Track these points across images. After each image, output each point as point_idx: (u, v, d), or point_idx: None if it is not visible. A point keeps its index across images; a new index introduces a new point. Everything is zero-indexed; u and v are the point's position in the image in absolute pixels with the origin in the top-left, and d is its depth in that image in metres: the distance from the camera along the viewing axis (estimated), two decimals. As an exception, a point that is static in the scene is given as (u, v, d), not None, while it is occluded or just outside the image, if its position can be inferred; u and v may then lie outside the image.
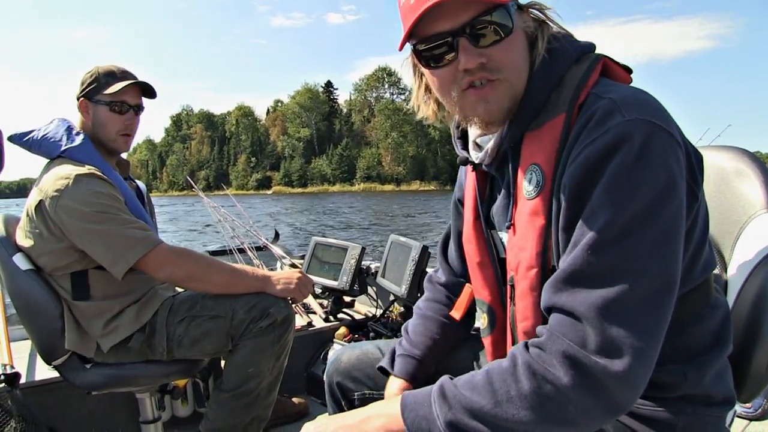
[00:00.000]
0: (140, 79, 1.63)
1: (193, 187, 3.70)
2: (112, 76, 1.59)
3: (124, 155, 1.72)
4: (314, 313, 2.54)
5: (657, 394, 0.80)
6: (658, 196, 0.67)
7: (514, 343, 0.86)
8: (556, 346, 0.68)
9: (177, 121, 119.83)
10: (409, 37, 0.79)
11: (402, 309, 2.37)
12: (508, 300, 0.87)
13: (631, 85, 0.82)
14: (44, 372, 1.85)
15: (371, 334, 2.32)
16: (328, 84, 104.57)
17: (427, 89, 0.91)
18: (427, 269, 2.20)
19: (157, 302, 1.59)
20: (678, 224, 0.69)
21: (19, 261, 1.49)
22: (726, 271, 0.99)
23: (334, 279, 2.49)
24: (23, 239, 1.51)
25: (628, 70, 0.84)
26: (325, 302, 2.60)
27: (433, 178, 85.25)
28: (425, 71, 0.85)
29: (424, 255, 2.18)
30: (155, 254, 1.47)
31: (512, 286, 0.84)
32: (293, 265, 2.71)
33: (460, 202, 1.08)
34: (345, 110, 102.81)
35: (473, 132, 0.91)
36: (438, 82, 0.82)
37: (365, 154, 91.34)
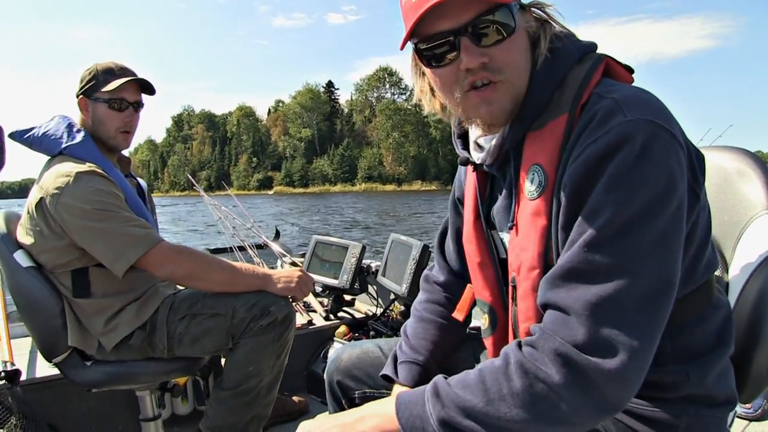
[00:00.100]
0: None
1: (194, 186, 3.70)
2: (110, 73, 1.59)
3: (125, 152, 1.72)
4: (314, 311, 2.54)
5: (659, 395, 0.79)
6: (658, 196, 0.67)
7: None
8: (548, 345, 0.68)
9: (178, 122, 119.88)
10: (410, 36, 0.79)
11: (402, 308, 2.37)
12: (510, 301, 0.87)
13: (633, 84, 0.82)
14: (45, 369, 1.86)
15: (371, 333, 2.32)
16: (330, 84, 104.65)
17: (430, 89, 0.90)
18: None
19: (158, 300, 1.59)
20: (677, 225, 0.68)
21: (20, 258, 1.49)
22: (727, 272, 0.99)
23: (334, 277, 2.49)
24: (24, 236, 1.51)
25: (630, 70, 0.83)
26: (325, 301, 2.60)
27: (434, 178, 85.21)
28: (427, 70, 0.84)
29: (425, 254, 2.18)
30: (156, 252, 1.47)
31: (514, 287, 0.84)
32: (294, 264, 2.71)
33: (459, 201, 1.08)
34: (346, 110, 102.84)
35: (474, 132, 0.91)
36: (440, 81, 0.82)
37: (366, 154, 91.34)
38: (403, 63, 0.92)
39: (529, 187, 0.79)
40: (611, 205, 0.67)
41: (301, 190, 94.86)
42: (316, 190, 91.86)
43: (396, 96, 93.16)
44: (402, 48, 0.82)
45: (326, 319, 2.47)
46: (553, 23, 0.82)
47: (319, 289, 2.69)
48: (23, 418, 1.62)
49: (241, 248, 3.17)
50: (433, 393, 0.73)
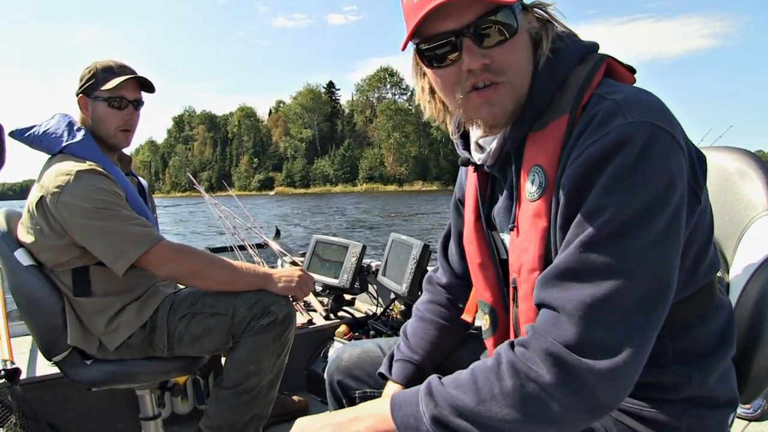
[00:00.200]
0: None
1: (195, 185, 3.71)
2: (109, 71, 1.58)
3: (126, 151, 1.72)
4: (315, 310, 2.55)
5: (660, 396, 0.79)
6: (657, 198, 0.66)
7: None
8: (539, 344, 0.68)
9: (179, 123, 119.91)
10: (411, 36, 0.78)
11: (403, 307, 2.38)
12: (511, 302, 0.87)
13: (635, 85, 0.82)
14: (45, 368, 1.86)
15: (372, 333, 2.32)
16: (330, 84, 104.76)
17: (431, 90, 0.90)
18: (428, 268, 2.20)
19: (158, 299, 1.59)
20: (675, 228, 0.68)
21: (21, 257, 1.49)
22: (728, 273, 0.99)
23: (334, 277, 2.49)
24: (25, 235, 1.51)
25: (632, 70, 0.83)
26: (325, 300, 2.60)
27: (435, 178, 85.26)
28: (428, 71, 0.84)
29: (426, 253, 2.18)
30: (156, 251, 1.47)
31: (515, 288, 0.84)
32: (294, 263, 2.71)
33: (461, 202, 1.08)
34: (347, 111, 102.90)
35: (475, 133, 0.91)
36: (441, 82, 0.82)
37: (367, 155, 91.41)
38: (404, 63, 0.91)
39: (529, 188, 0.79)
40: (609, 206, 0.67)
41: (302, 190, 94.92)
42: (317, 191, 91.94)
43: (397, 96, 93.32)
44: (403, 49, 0.82)
45: (326, 318, 2.47)
46: (555, 23, 0.82)
47: (319, 288, 2.69)
48: (23, 416, 1.62)
49: (242, 247, 3.18)
50: (426, 392, 0.74)
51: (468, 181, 1.01)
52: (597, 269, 0.66)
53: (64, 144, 1.53)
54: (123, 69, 1.61)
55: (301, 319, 2.36)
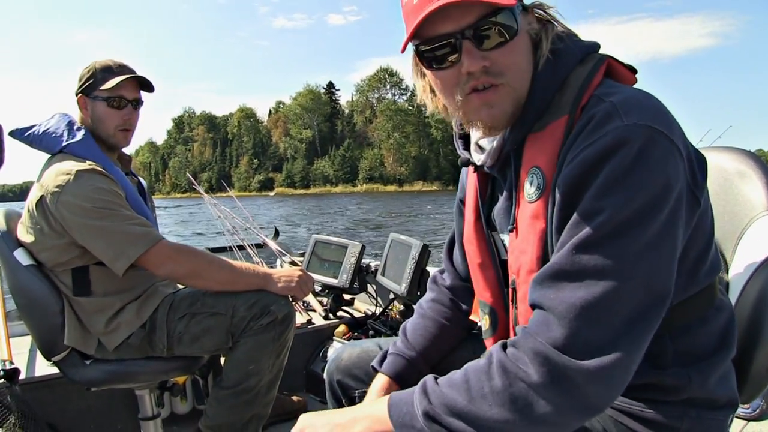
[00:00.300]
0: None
1: (194, 186, 3.71)
2: (108, 71, 1.58)
3: (126, 151, 1.72)
4: (314, 310, 2.55)
5: (660, 397, 0.79)
6: (652, 201, 0.66)
7: None
8: (528, 344, 0.68)
9: (179, 124, 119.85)
10: (411, 38, 0.78)
11: (402, 307, 2.37)
12: (510, 303, 0.87)
13: (636, 85, 0.82)
14: (44, 368, 1.85)
15: (371, 332, 2.32)
16: (330, 85, 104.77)
17: (432, 90, 0.90)
18: (427, 268, 2.20)
19: (158, 299, 1.59)
20: (672, 231, 0.68)
21: (20, 256, 1.49)
22: (727, 273, 0.98)
23: (333, 277, 2.49)
24: (24, 234, 1.51)
25: (633, 70, 0.83)
26: (324, 300, 2.60)
27: (435, 178, 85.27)
28: (427, 72, 0.84)
29: (424, 253, 2.18)
30: (156, 251, 1.47)
31: (514, 289, 0.84)
32: (293, 263, 2.71)
33: (462, 202, 1.08)
34: (347, 111, 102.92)
35: (475, 133, 0.90)
36: (441, 84, 0.82)
37: (367, 155, 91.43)
38: (404, 63, 0.92)
39: (528, 189, 0.79)
40: (604, 209, 0.67)
41: (302, 191, 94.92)
42: (317, 191, 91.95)
43: (397, 96, 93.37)
44: (403, 51, 0.81)
45: (325, 318, 2.47)
46: (555, 23, 0.82)
47: (318, 288, 2.69)
48: (22, 417, 1.62)
49: (241, 247, 3.18)
50: (421, 390, 0.74)
51: (468, 181, 1.01)
52: (589, 271, 0.66)
53: (64, 143, 1.53)
54: (122, 68, 1.60)
55: (300, 319, 2.36)
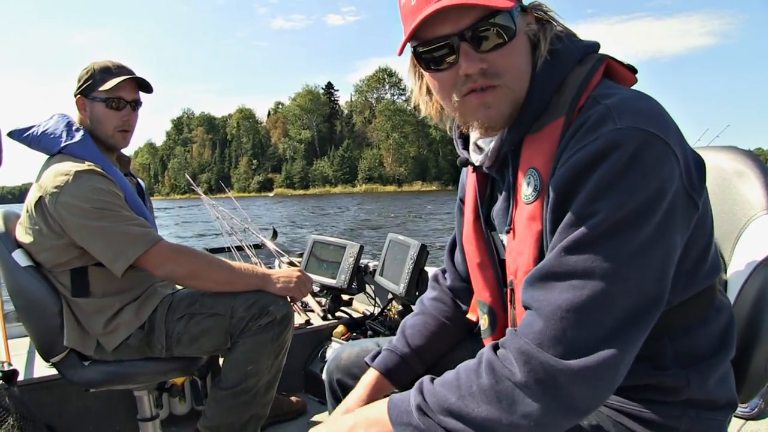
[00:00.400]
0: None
1: (192, 186, 3.71)
2: (107, 72, 1.58)
3: (124, 152, 1.72)
4: (312, 311, 2.54)
5: (659, 398, 0.79)
6: (644, 205, 0.66)
7: None
8: (515, 344, 0.68)
9: (178, 125, 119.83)
10: (409, 39, 0.78)
11: (400, 307, 2.37)
12: (509, 303, 0.87)
13: (635, 85, 0.81)
14: (42, 369, 1.85)
15: (369, 333, 2.32)
16: (329, 85, 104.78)
17: (428, 91, 0.90)
18: (426, 268, 2.20)
19: (157, 300, 1.59)
20: (665, 234, 0.67)
21: (19, 257, 1.48)
22: (726, 273, 0.98)
23: (332, 277, 2.49)
24: (23, 235, 1.51)
25: (633, 70, 0.82)
26: (323, 300, 2.60)
27: (434, 178, 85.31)
28: (425, 74, 0.84)
29: (423, 253, 2.18)
30: (155, 251, 1.47)
31: (512, 290, 0.84)
32: (291, 263, 2.71)
33: (462, 202, 1.08)
34: (346, 111, 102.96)
35: (474, 134, 0.91)
36: (438, 85, 0.82)
37: (366, 156, 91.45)
38: (403, 64, 0.91)
39: (525, 190, 0.79)
40: (596, 211, 0.66)
41: (301, 191, 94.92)
42: (316, 192, 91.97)
43: (396, 97, 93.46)
44: (400, 53, 0.81)
45: (324, 318, 2.47)
46: (554, 24, 0.81)
47: (316, 288, 2.69)
48: (21, 418, 1.61)
49: (239, 248, 3.18)
50: (417, 389, 0.76)
51: (468, 181, 1.01)
52: (578, 273, 0.66)
53: (62, 144, 1.53)
54: (121, 69, 1.60)
55: (298, 319, 2.36)
